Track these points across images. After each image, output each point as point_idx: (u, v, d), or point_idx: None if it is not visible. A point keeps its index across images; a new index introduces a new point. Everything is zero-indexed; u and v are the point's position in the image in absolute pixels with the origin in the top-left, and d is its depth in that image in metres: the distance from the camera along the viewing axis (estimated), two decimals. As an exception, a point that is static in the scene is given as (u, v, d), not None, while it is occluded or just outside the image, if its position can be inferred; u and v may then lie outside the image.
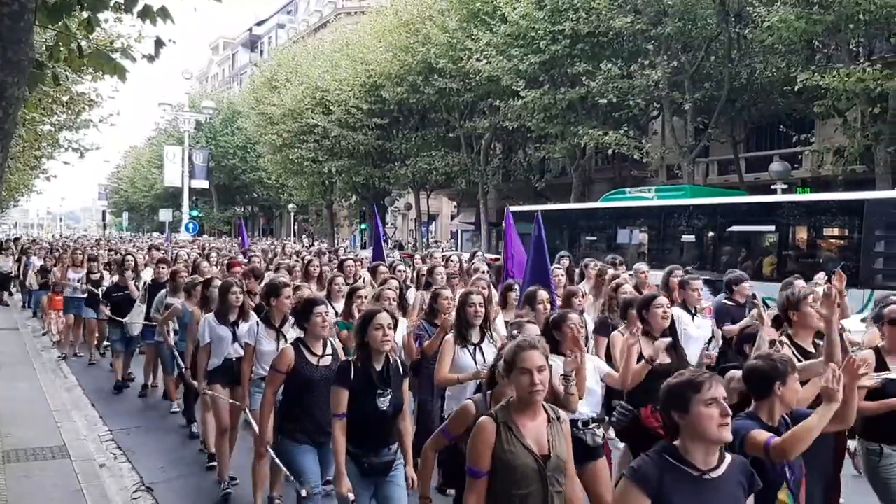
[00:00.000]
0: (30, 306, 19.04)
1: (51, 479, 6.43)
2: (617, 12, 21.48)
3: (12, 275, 20.62)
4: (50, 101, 16.26)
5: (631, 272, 8.91)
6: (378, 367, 4.24)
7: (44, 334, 15.26)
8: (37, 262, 17.66)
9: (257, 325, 5.98)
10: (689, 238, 17.41)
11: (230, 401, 6.41)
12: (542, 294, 6.00)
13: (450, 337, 5.28)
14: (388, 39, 30.82)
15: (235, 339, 6.41)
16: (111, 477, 6.79)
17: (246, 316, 6.57)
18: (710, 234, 17.13)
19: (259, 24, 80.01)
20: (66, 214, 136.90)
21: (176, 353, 8.12)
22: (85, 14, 4.95)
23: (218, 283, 7.16)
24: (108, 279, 11.90)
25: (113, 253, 17.53)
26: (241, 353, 6.23)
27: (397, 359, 4.46)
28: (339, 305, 6.87)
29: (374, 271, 8.99)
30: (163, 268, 9.86)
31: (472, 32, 25.21)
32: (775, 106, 23.54)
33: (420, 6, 29.39)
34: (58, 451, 7.16)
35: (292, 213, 52.59)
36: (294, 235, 52.59)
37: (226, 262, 11.72)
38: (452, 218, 46.35)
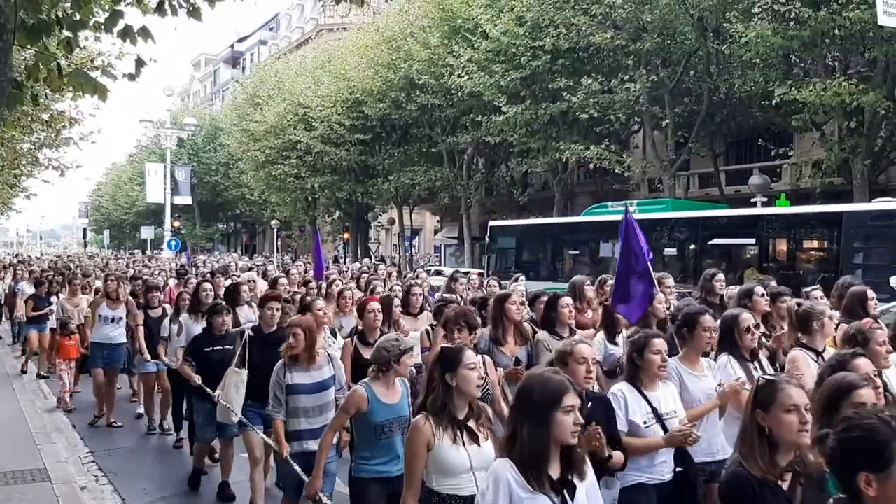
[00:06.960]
0: (19, 341, 15.27)
1: (31, 503, 6.31)
2: (597, 28, 21.66)
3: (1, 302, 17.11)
4: (30, 119, 16.15)
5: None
6: None
7: (44, 377, 12.19)
8: (27, 288, 13.86)
9: None
10: (671, 251, 17.53)
11: None
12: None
13: None
14: (370, 56, 30.97)
15: None
16: (93, 500, 6.68)
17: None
18: (692, 246, 17.26)
19: (241, 40, 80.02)
20: (47, 232, 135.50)
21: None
22: (65, 34, 4.94)
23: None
24: (177, 319, 7.71)
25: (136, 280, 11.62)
26: None
27: None
28: None
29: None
30: (275, 308, 6.07)
31: (453, 49, 25.34)
32: (754, 120, 23.81)
33: (402, 23, 29.58)
34: (38, 474, 7.04)
35: (275, 229, 52.41)
36: (277, 252, 52.31)
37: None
38: (436, 233, 46.34)
